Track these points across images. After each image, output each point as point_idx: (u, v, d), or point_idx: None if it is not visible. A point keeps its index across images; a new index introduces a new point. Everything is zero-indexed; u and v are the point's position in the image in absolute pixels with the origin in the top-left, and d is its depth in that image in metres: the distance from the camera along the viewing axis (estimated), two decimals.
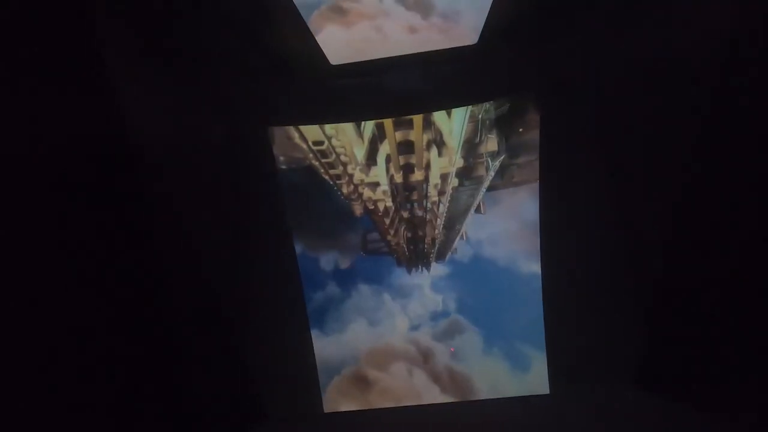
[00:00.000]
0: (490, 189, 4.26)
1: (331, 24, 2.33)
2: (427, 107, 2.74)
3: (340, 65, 2.50)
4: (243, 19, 2.31)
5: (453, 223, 4.53)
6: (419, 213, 4.52)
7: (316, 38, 2.41)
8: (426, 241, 4.70)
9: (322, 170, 3.69)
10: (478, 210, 4.53)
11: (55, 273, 1.73)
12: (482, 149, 3.87)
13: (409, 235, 4.73)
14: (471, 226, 4.47)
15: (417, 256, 4.64)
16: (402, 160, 3.95)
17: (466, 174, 4.11)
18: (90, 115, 1.90)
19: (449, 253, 4.56)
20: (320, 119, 2.82)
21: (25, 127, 1.69)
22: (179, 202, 2.25)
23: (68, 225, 1.77)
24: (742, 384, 1.87)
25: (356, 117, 2.81)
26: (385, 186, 4.08)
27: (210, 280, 2.47)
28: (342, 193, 3.82)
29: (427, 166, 4.07)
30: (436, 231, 4.65)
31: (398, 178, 4.09)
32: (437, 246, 4.67)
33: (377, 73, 2.56)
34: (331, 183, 3.75)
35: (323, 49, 2.43)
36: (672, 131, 2.27)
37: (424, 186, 4.25)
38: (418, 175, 4.10)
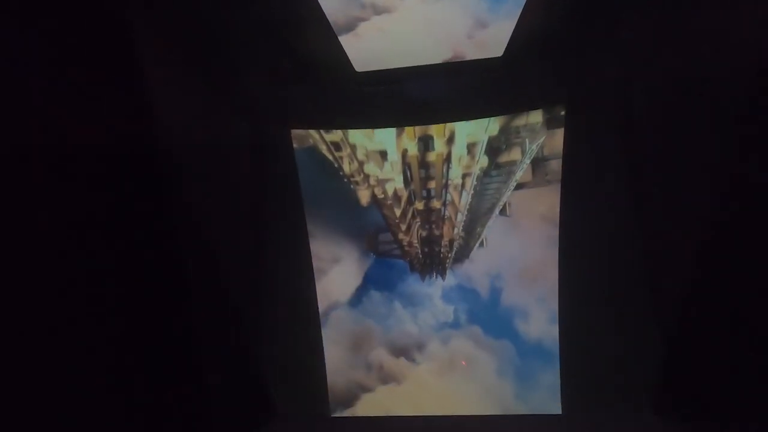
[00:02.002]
0: (518, 187, 3.77)
1: (358, 31, 2.39)
2: (450, 117, 2.81)
3: (364, 72, 2.56)
4: (271, 23, 2.40)
5: (474, 224, 4.02)
6: (437, 206, 4.02)
7: (342, 44, 2.47)
8: (443, 243, 4.12)
9: (319, 138, 3.49)
10: (503, 211, 3.95)
11: (75, 266, 1.82)
12: (521, 121, 3.38)
13: (424, 234, 4.13)
14: (492, 231, 3.95)
15: (432, 261, 4.13)
16: (419, 132, 3.49)
17: (497, 154, 3.63)
18: (119, 112, 2.01)
19: (466, 260, 4.06)
20: (343, 124, 2.94)
21: (56, 121, 1.79)
22: (200, 200, 2.34)
23: (92, 217, 1.87)
24: (763, 414, 1.84)
25: (379, 124, 2.93)
26: (394, 155, 3.59)
27: (227, 279, 2.55)
28: (344, 173, 3.65)
29: (451, 139, 3.58)
30: (456, 230, 4.07)
31: (412, 150, 3.58)
32: (455, 250, 4.09)
33: (401, 82, 2.61)
34: (331, 158, 3.55)
35: (349, 56, 2.50)
36: (702, 150, 2.32)
37: (445, 167, 3.78)
38: (438, 147, 3.58)
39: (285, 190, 3.12)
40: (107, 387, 1.97)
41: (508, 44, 2.53)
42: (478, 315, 3.75)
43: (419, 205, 4.01)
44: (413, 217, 4.06)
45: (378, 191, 3.89)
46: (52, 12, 1.89)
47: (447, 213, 4.02)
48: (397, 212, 4.01)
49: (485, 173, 3.74)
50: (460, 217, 3.99)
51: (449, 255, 4.09)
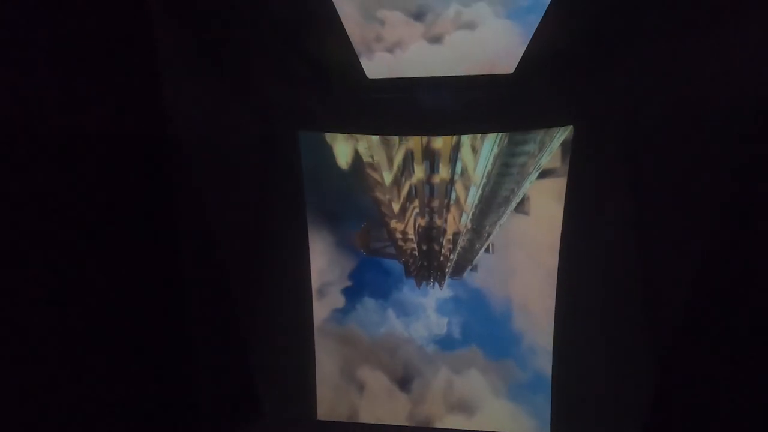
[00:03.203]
0: (542, 175, 2.99)
1: (372, 38, 2.43)
2: (457, 129, 2.86)
3: (376, 79, 2.59)
4: (287, 27, 2.45)
5: (483, 219, 3.18)
6: (444, 178, 3.13)
7: (356, 51, 2.50)
8: (445, 239, 3.29)
9: None
10: (520, 207, 3.06)
11: (72, 258, 1.84)
12: None
13: (423, 223, 3.27)
14: (504, 233, 3.13)
15: (430, 264, 3.37)
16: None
17: None
18: (131, 105, 2.06)
19: (469, 266, 3.31)
20: (352, 129, 2.98)
21: (68, 111, 1.84)
22: (203, 195, 2.38)
23: (94, 207, 1.90)
24: None
25: (387, 131, 2.95)
26: None
27: (224, 277, 2.57)
28: None
29: None
30: (464, 218, 3.20)
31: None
32: (458, 251, 3.30)
33: (411, 91, 2.66)
34: None
35: (361, 62, 2.53)
36: (709, 177, 2.29)
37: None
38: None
39: (288, 192, 3.23)
40: (95, 380, 1.98)
41: (519, 62, 2.59)
42: (478, 333, 3.41)
43: (419, 174, 3.14)
44: (409, 198, 3.23)
45: (362, 147, 3.15)
46: (70, 4, 1.94)
47: (454, 193, 3.16)
48: (387, 177, 3.14)
49: (510, 140, 3.00)
50: (472, 198, 3.11)
51: (450, 256, 3.28)
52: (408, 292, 3.31)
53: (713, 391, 2.23)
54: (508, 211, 3.05)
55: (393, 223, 3.24)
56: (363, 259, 3.32)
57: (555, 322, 3.35)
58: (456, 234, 3.21)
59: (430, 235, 3.25)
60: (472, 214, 3.12)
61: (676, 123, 2.58)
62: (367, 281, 3.33)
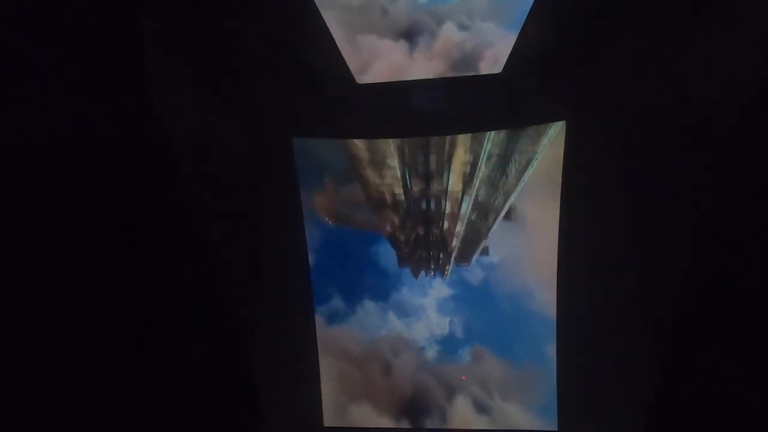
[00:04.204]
0: None
1: (359, 44, 2.43)
2: (449, 130, 2.84)
3: (365, 84, 2.58)
4: (276, 35, 2.45)
5: (510, 145, 2.24)
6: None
7: (344, 57, 2.50)
8: (448, 199, 2.23)
9: None
10: None
11: (69, 263, 1.87)
12: None
13: (417, 181, 2.11)
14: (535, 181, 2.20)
15: (427, 237, 2.52)
16: None
17: None
18: (123, 113, 2.09)
19: (479, 249, 2.48)
20: (344, 134, 2.95)
21: (62, 120, 1.87)
22: (198, 202, 2.40)
23: (89, 214, 1.93)
24: None
25: (379, 134, 2.93)
26: None
27: (223, 283, 2.59)
28: None
29: None
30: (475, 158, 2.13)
31: None
32: (469, 217, 2.37)
33: (401, 95, 2.64)
34: None
35: (350, 68, 2.53)
36: (700, 171, 2.27)
37: None
38: None
39: (284, 198, 3.22)
40: (92, 387, 2.01)
41: (507, 61, 2.58)
42: (474, 326, 3.04)
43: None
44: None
45: None
46: (63, 13, 1.97)
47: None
48: None
49: None
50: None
51: (459, 214, 2.21)
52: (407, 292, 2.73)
53: (713, 391, 2.20)
54: (546, 141, 2.03)
55: (369, 179, 2.19)
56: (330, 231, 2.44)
57: (557, 321, 3.32)
58: (473, 166, 2.04)
59: (426, 169, 2.10)
60: (489, 166, 2.09)
61: (669, 116, 2.53)
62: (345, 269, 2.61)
